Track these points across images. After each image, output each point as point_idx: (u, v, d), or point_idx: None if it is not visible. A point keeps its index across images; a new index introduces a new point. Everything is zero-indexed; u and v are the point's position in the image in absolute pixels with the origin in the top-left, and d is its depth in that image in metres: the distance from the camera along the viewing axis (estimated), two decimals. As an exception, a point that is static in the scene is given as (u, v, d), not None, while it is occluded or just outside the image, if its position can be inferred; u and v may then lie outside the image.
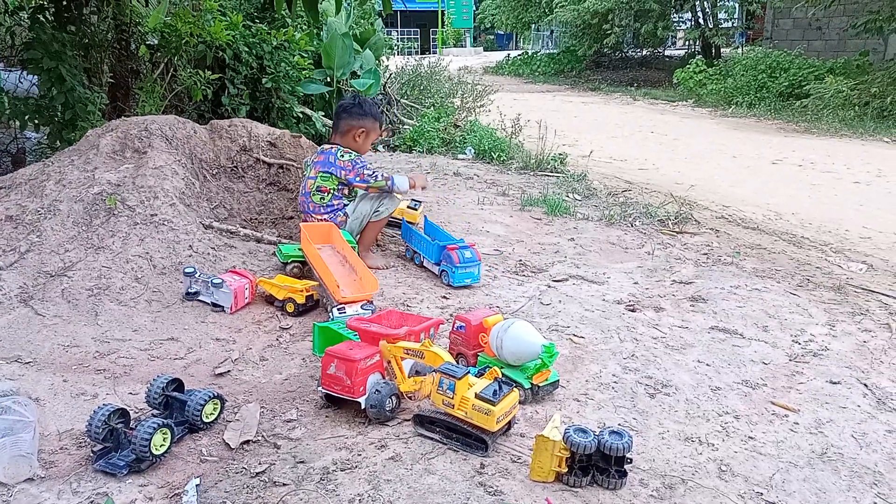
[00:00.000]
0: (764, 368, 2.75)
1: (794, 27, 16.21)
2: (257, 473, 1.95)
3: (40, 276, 2.97)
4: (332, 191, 3.65)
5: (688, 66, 15.77)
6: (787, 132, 10.37)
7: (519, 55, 25.97)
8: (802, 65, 13.01)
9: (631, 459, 1.99)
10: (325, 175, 3.63)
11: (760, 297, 3.48)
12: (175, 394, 2.16)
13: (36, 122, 4.66)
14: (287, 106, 5.88)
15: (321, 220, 3.63)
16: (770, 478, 2.04)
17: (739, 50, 16.55)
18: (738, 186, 6.60)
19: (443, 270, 3.49)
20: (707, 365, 2.75)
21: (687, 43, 22.80)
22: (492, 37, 42.68)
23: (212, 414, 2.17)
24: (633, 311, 3.27)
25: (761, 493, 1.96)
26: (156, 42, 5.27)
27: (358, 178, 3.63)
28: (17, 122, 4.80)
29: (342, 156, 3.65)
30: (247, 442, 2.10)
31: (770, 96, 12.70)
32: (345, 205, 3.71)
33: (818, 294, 3.62)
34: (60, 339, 2.66)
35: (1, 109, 4.53)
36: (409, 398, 2.30)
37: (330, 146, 3.72)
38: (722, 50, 18.04)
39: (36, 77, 4.54)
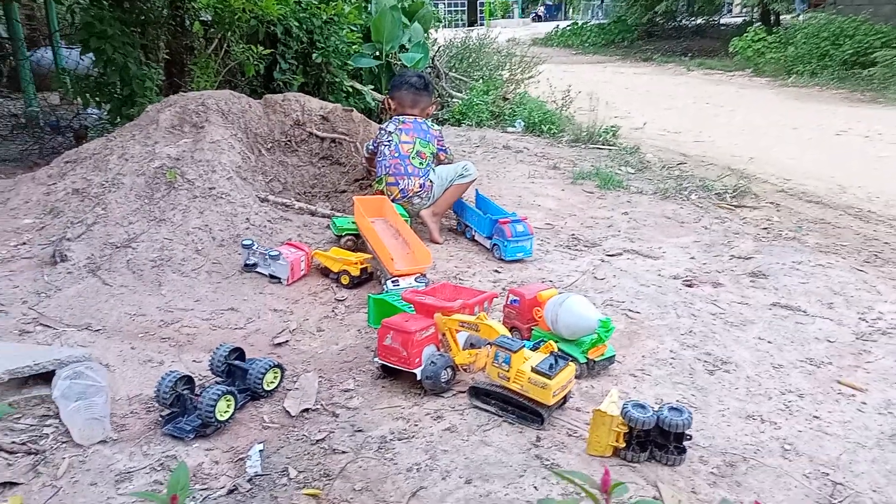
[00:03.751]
0: (829, 346, 2.66)
1: (861, -9, 15.37)
2: (317, 441, 2.00)
3: (106, 248, 3.08)
4: (428, 157, 3.79)
5: (745, 34, 15.11)
6: (851, 102, 9.90)
7: (568, 26, 25.39)
8: (869, 31, 12.32)
9: (690, 436, 1.96)
10: (423, 142, 3.77)
11: (825, 273, 3.36)
12: (237, 362, 2.22)
13: (97, 99, 4.80)
14: (337, 80, 5.90)
15: (418, 181, 3.73)
16: (837, 458, 1.98)
17: (800, 17, 15.79)
18: (799, 159, 6.34)
19: (494, 244, 3.47)
20: (769, 342, 2.68)
21: (744, 10, 21.88)
22: (541, 7, 41.79)
23: (272, 382, 2.23)
24: (690, 286, 3.20)
25: (827, 474, 1.91)
26: (209, 18, 5.33)
27: (441, 149, 3.91)
28: (80, 100, 4.95)
29: (432, 125, 3.90)
30: (306, 410, 2.15)
31: (833, 65, 12.10)
32: (430, 170, 3.83)
33: (886, 270, 3.47)
34: (127, 308, 2.76)
35: (65, 89, 4.67)
36: (464, 370, 2.31)
37: (412, 117, 3.84)
38: (781, 17, 17.25)
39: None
